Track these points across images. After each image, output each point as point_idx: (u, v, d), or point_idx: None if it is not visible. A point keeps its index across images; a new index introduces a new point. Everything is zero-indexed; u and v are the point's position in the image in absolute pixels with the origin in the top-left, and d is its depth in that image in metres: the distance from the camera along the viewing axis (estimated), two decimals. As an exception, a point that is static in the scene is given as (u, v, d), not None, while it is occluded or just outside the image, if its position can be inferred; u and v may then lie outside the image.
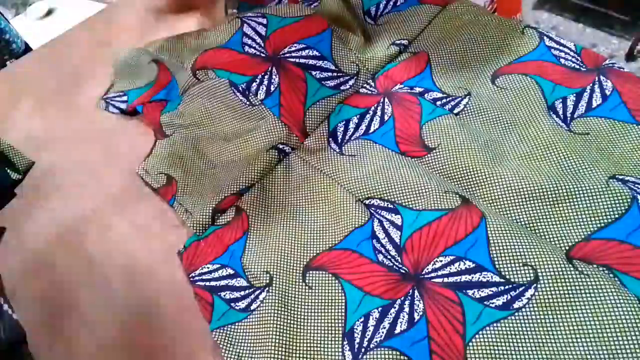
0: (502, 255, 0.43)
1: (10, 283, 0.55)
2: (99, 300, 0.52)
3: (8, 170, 0.66)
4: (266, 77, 0.63)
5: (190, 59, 0.69)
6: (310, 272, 0.48)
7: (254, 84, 0.63)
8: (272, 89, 0.62)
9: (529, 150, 0.51)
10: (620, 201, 0.44)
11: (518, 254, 0.43)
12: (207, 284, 0.49)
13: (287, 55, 0.65)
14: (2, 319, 0.48)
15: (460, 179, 0.51)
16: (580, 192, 0.45)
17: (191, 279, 0.50)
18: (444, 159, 0.52)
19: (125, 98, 0.70)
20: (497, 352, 0.39)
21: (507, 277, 0.42)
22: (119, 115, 0.71)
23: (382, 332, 0.42)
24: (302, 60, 0.64)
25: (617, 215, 0.43)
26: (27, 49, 1.08)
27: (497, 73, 0.60)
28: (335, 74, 0.64)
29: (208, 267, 0.51)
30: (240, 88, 0.63)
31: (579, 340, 0.37)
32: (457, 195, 0.48)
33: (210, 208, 0.54)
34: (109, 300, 0.52)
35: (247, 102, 0.62)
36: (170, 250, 0.54)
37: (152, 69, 0.71)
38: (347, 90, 0.64)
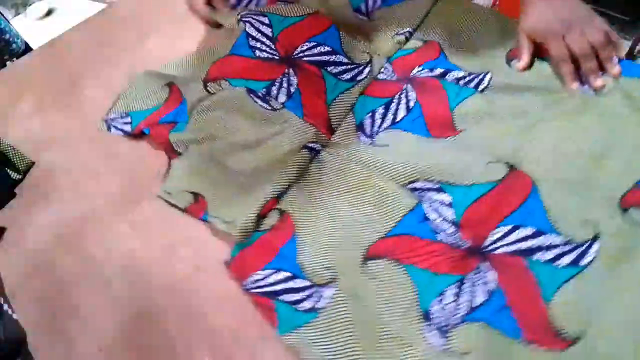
0: (560, 216, 0.44)
1: (10, 283, 0.55)
2: (99, 300, 0.52)
3: (8, 170, 0.67)
4: (284, 79, 0.63)
5: (202, 71, 0.67)
6: (370, 262, 0.47)
7: (274, 88, 0.63)
8: (292, 90, 0.62)
9: (563, 116, 0.52)
10: None
11: (575, 212, 0.44)
12: (264, 289, 0.48)
13: (301, 54, 0.65)
14: (2, 319, 0.48)
15: (501, 148, 0.51)
16: (622, 144, 0.47)
17: (244, 288, 0.48)
18: (480, 133, 0.53)
19: (128, 120, 0.68)
20: (577, 308, 0.40)
21: (569, 236, 0.43)
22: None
23: (462, 307, 0.42)
24: (315, 58, 0.65)
25: None
26: (27, 49, 1.08)
27: (511, 55, 0.61)
28: (349, 66, 0.65)
29: (260, 274, 0.49)
30: (260, 94, 0.62)
31: None
32: (502, 164, 0.49)
33: (254, 214, 0.52)
34: (109, 300, 0.52)
35: (269, 107, 0.61)
36: (170, 250, 0.54)
37: (164, 91, 0.69)
38: (364, 79, 0.64)
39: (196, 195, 0.57)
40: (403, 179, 0.52)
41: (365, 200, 0.52)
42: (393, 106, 0.59)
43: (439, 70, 0.61)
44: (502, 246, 0.44)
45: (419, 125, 0.57)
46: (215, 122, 0.62)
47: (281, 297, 0.47)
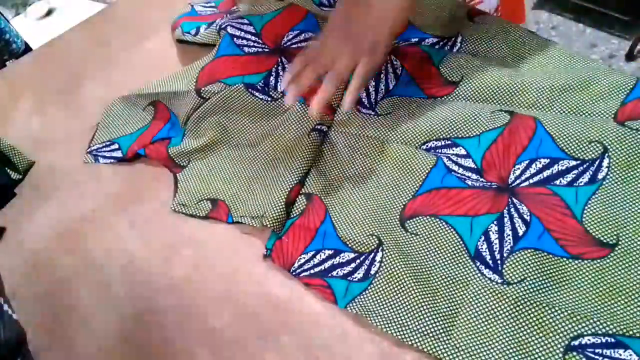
0: (567, 142, 0.48)
1: (10, 283, 0.55)
2: (99, 300, 0.52)
3: (8, 170, 0.67)
4: (279, 67, 0.64)
5: (191, 82, 0.67)
6: (408, 222, 0.49)
7: (271, 78, 0.64)
8: None
9: (542, 62, 0.56)
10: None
11: (580, 135, 0.47)
12: (313, 271, 0.49)
13: (289, 43, 0.67)
14: (2, 319, 0.48)
15: (496, 98, 0.54)
16: (600, 77, 0.51)
17: (294, 274, 0.49)
18: (473, 87, 0.55)
19: (115, 146, 0.66)
20: (607, 217, 0.43)
21: (581, 157, 0.47)
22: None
23: (509, 240, 0.44)
24: (302, 44, 0.66)
25: None
26: (27, 49, 1.08)
27: (473, 14, 0.63)
28: None
29: (304, 257, 0.50)
30: (258, 87, 0.63)
31: None
32: (503, 112, 0.51)
33: (282, 203, 0.53)
34: (109, 300, 0.52)
35: (269, 98, 0.62)
36: (170, 250, 0.54)
37: (148, 112, 0.68)
38: None
39: (214, 200, 0.57)
40: (416, 141, 0.53)
41: (386, 167, 0.53)
42: (382, 76, 0.60)
43: (414, 40, 0.63)
44: (525, 180, 0.47)
45: (412, 88, 0.59)
46: (214, 127, 0.62)
47: (332, 274, 0.48)
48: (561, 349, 0.39)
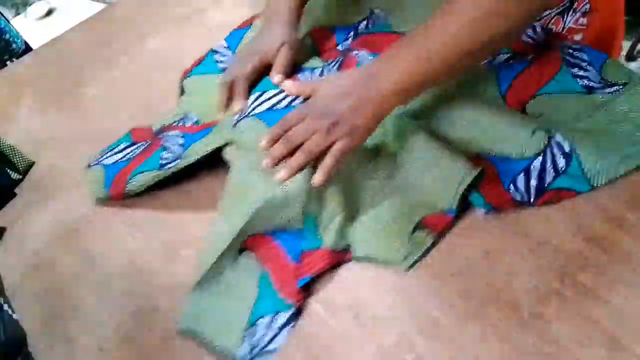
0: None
1: (10, 283, 0.55)
2: (99, 300, 0.52)
3: (8, 170, 0.67)
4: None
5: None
6: None
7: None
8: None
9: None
10: None
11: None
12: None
13: None
14: (2, 319, 0.48)
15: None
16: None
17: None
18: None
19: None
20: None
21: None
22: (118, 115, 0.71)
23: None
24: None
25: None
26: (27, 49, 1.08)
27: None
28: None
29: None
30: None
31: None
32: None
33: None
34: (109, 300, 0.52)
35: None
36: (170, 250, 0.54)
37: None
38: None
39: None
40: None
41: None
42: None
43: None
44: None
45: None
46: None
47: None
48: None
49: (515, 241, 0.45)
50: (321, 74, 0.62)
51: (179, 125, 0.65)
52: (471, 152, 0.50)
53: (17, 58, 0.99)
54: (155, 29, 0.83)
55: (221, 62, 0.70)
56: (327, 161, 0.48)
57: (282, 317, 0.45)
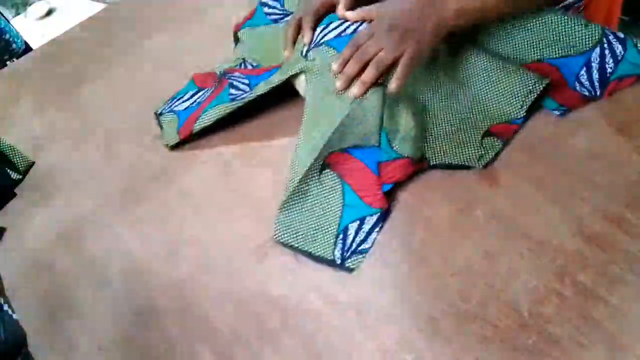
0: None
1: (10, 283, 0.55)
2: (99, 300, 0.52)
3: (8, 170, 0.67)
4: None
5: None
6: None
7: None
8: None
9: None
10: None
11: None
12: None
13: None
14: (2, 319, 0.48)
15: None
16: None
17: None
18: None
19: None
20: None
21: None
22: (118, 115, 0.71)
23: None
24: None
25: None
26: (27, 49, 1.08)
27: None
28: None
29: None
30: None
31: None
32: None
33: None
34: (109, 300, 0.52)
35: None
36: (170, 250, 0.54)
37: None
38: None
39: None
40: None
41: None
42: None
43: None
44: None
45: None
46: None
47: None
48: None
49: (515, 241, 0.45)
50: None
51: (241, 68, 0.68)
52: (531, 60, 0.54)
53: (17, 58, 0.99)
54: (155, 29, 0.83)
55: (270, 14, 0.72)
56: (400, 70, 0.52)
57: (371, 220, 0.49)
